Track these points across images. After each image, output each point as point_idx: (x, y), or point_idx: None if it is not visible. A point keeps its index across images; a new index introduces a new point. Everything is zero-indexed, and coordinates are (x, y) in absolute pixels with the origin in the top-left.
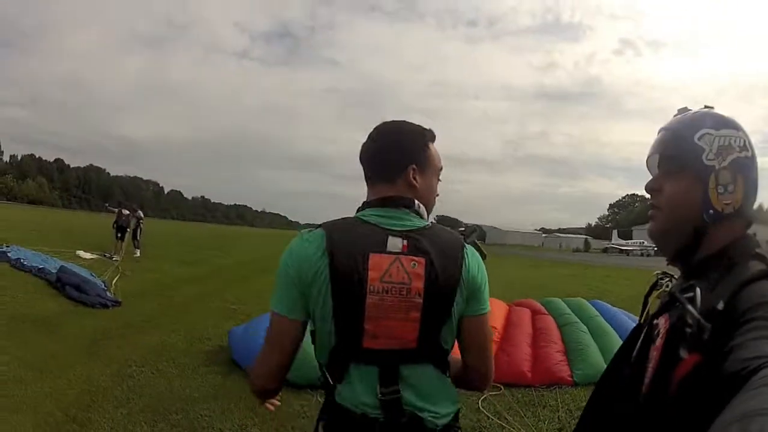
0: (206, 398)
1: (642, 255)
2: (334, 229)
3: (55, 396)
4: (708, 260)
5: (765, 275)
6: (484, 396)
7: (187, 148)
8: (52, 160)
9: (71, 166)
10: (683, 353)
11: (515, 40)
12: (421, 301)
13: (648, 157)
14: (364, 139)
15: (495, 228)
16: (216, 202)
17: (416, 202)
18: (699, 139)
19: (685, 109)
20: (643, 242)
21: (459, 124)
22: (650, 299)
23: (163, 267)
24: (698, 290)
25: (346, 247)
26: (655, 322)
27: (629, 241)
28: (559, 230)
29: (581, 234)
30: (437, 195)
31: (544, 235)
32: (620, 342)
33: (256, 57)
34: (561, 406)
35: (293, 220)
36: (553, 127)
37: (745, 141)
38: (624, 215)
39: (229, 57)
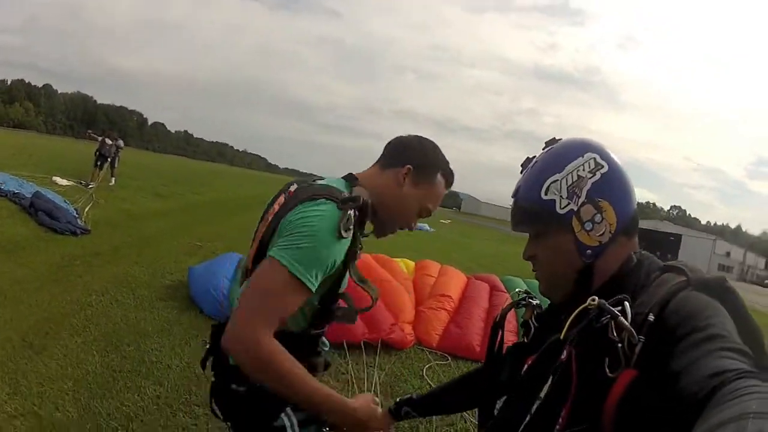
0: (159, 332)
1: None
2: None
3: (14, 322)
4: (605, 287)
5: (686, 286)
6: (431, 364)
7: (176, 83)
8: (40, 85)
9: (59, 91)
10: (610, 372)
11: (520, 16)
12: (260, 235)
13: (512, 229)
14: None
15: (472, 197)
16: (198, 137)
17: (357, 181)
18: (545, 193)
19: (527, 162)
20: None
21: (452, 90)
22: (527, 317)
23: (137, 198)
24: (627, 303)
25: None
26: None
27: None
28: None
29: None
30: (412, 226)
31: None
32: None
33: None
34: None
35: (272, 163)
36: (545, 108)
37: (594, 160)
38: None
39: None
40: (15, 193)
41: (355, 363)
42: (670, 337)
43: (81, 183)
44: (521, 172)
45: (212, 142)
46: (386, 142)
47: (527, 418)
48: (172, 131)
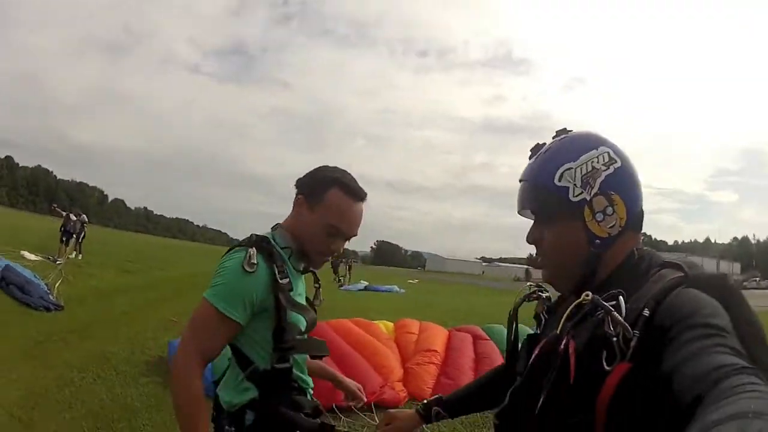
0: (148, 408)
1: None
2: None
3: None
4: (608, 281)
5: (682, 282)
6: None
7: (134, 158)
8: (2, 156)
9: (20, 164)
10: (606, 365)
11: (465, 72)
12: None
13: (518, 211)
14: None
15: (436, 255)
16: (158, 213)
17: (278, 225)
18: (560, 179)
19: (537, 147)
20: None
21: (403, 152)
22: (538, 310)
23: (104, 275)
24: (621, 298)
25: None
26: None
27: None
28: (500, 259)
29: (522, 264)
30: (329, 249)
31: (484, 264)
32: None
33: (208, 72)
34: None
35: (234, 237)
36: (498, 159)
37: (608, 154)
38: None
39: (182, 70)
40: None
41: (353, 424)
42: (664, 332)
43: (49, 258)
44: (530, 158)
45: (172, 218)
46: None
47: (536, 408)
48: (132, 208)
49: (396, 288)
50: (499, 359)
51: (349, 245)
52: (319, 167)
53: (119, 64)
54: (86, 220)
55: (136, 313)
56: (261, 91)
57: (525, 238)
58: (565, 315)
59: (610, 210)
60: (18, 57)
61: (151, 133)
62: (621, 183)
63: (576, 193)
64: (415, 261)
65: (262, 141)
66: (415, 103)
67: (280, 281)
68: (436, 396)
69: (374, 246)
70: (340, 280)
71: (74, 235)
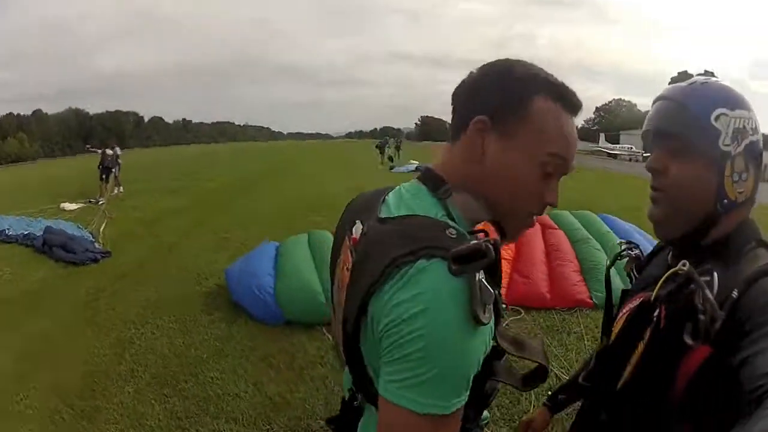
0: (214, 356)
1: (630, 160)
2: None
3: (56, 386)
4: (714, 246)
5: None
6: (506, 322)
7: (165, 73)
8: (30, 113)
9: (49, 114)
10: (689, 340)
11: None
12: (342, 316)
13: (646, 129)
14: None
15: None
16: (197, 122)
17: (446, 186)
18: (716, 119)
19: (685, 74)
20: (632, 147)
21: (443, 26)
22: (626, 269)
23: (149, 202)
24: (715, 275)
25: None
26: (643, 298)
27: (616, 145)
28: None
29: None
30: (545, 201)
31: None
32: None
33: None
34: (585, 332)
35: (276, 130)
36: (539, 31)
37: (755, 122)
38: (610, 119)
39: None
40: (25, 235)
41: None
42: (747, 320)
43: (90, 201)
44: (671, 83)
45: (212, 123)
46: (389, 87)
47: (624, 376)
48: (170, 122)
49: None
50: (569, 249)
51: (393, 122)
52: (496, 66)
53: None
54: (119, 151)
55: (185, 238)
56: None
57: (646, 164)
58: (659, 283)
59: (744, 176)
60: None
61: (179, 44)
62: (757, 156)
63: (725, 143)
64: None
65: (293, 31)
66: None
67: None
68: (559, 384)
69: (418, 122)
70: (390, 161)
71: (113, 170)
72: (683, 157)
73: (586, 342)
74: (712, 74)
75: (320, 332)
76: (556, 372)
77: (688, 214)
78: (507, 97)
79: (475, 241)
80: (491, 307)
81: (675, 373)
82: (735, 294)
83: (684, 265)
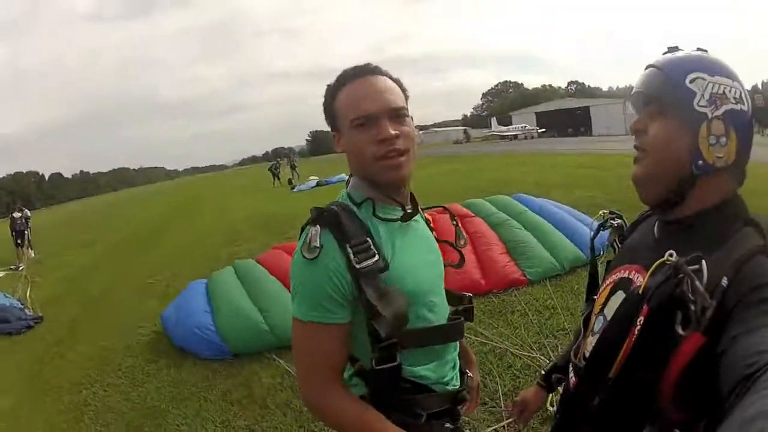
0: (173, 403)
1: (525, 138)
2: None
3: None
4: (697, 216)
5: (762, 249)
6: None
7: (59, 128)
8: None
9: None
10: (680, 330)
11: None
12: None
13: (632, 93)
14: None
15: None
16: (95, 172)
17: (349, 178)
18: (690, 82)
19: (675, 48)
20: (525, 126)
21: (321, 38)
22: (611, 237)
23: (66, 260)
24: (704, 263)
25: None
26: (628, 275)
27: (510, 126)
28: (435, 125)
29: (458, 126)
30: (383, 149)
31: (421, 132)
32: (556, 232)
33: (109, 16)
34: (528, 308)
35: (171, 168)
36: (413, 29)
37: (741, 92)
38: (499, 102)
39: (82, 22)
40: None
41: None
42: (736, 304)
43: (11, 268)
44: (663, 54)
45: (109, 171)
46: (272, 108)
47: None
48: (69, 176)
49: (345, 176)
50: (491, 233)
51: (284, 141)
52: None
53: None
54: (29, 214)
55: (112, 289)
56: (162, 16)
57: (630, 125)
58: (648, 273)
59: (724, 140)
60: None
61: (67, 97)
62: (741, 124)
63: (700, 104)
64: None
65: (175, 66)
66: None
67: (359, 265)
68: (550, 364)
69: (309, 138)
70: (289, 183)
71: (25, 233)
72: (662, 117)
73: (531, 317)
74: (704, 50)
75: (269, 359)
76: (512, 351)
77: (664, 173)
78: (327, 110)
79: (324, 208)
80: (319, 246)
81: (667, 363)
82: (725, 282)
83: (671, 255)
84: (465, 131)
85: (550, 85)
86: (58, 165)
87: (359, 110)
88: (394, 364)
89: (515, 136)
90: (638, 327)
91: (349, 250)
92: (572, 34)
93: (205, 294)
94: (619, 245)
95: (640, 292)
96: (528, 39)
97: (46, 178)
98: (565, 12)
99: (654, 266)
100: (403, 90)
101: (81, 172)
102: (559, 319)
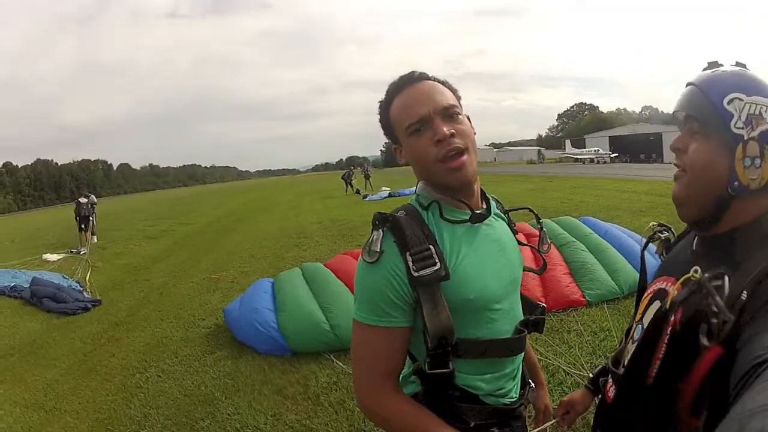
0: (226, 393)
1: (597, 162)
2: None
3: None
4: (732, 233)
5: None
6: None
7: (130, 120)
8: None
9: (19, 165)
10: (705, 341)
11: None
12: None
13: (674, 112)
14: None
15: None
16: (165, 166)
17: (417, 186)
18: (728, 103)
19: (715, 64)
20: (598, 150)
21: (396, 49)
22: (657, 248)
23: (130, 248)
24: (726, 279)
25: None
26: (665, 287)
27: (583, 149)
28: (509, 143)
29: (532, 146)
30: (440, 151)
31: (495, 150)
32: (619, 256)
33: (185, 13)
34: (584, 329)
35: (243, 169)
36: (491, 44)
37: None
38: (574, 125)
39: (159, 19)
40: (12, 287)
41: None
42: (754, 316)
43: (72, 252)
44: (704, 69)
45: (179, 166)
46: (350, 116)
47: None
48: (138, 168)
49: (407, 191)
50: (556, 254)
51: (358, 150)
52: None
53: (91, 34)
54: (95, 200)
55: (175, 281)
56: (243, 18)
57: (670, 144)
58: (673, 289)
59: (758, 162)
60: None
61: (142, 92)
62: None
63: (737, 125)
64: None
65: (253, 67)
66: None
67: (417, 273)
68: (600, 367)
69: (383, 149)
70: (360, 191)
71: (90, 218)
72: (701, 138)
73: (586, 337)
74: (744, 66)
75: (329, 360)
76: (564, 368)
77: (702, 193)
78: (385, 121)
79: (387, 213)
80: (380, 251)
81: (690, 372)
82: (744, 296)
83: (696, 271)
84: (539, 152)
85: (624, 109)
86: (127, 157)
87: (412, 116)
88: (447, 371)
89: (591, 160)
90: (666, 338)
91: (409, 257)
92: (648, 58)
93: (271, 292)
94: (666, 256)
95: (667, 306)
96: (605, 62)
97: (114, 168)
98: (641, 36)
99: (680, 281)
100: (453, 90)
101: (150, 165)
102: (613, 342)
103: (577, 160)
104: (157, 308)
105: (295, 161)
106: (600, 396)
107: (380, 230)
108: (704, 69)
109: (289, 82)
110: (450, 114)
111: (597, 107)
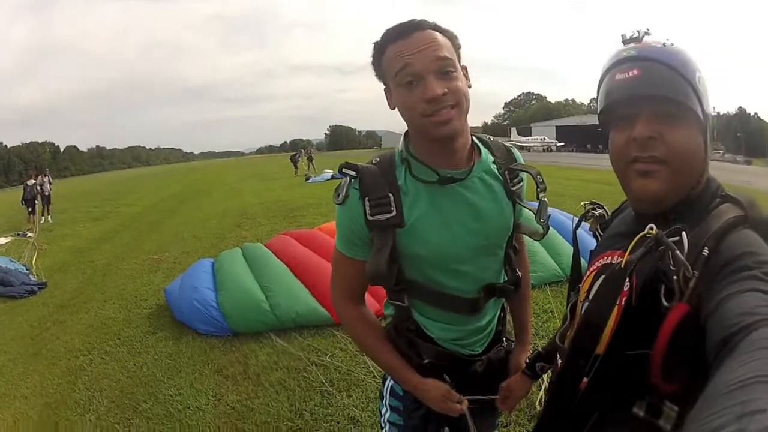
0: (168, 373)
1: (543, 150)
2: None
3: (18, 422)
4: (678, 205)
5: (742, 222)
6: None
7: (78, 102)
8: None
9: None
10: (665, 302)
11: None
12: None
13: (629, 95)
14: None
15: (390, 132)
16: (111, 148)
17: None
18: (698, 81)
19: (647, 33)
20: (544, 138)
21: (344, 34)
22: (592, 228)
23: (76, 230)
24: (684, 235)
25: None
26: (610, 260)
27: (529, 138)
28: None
29: (477, 132)
30: (429, 107)
31: None
32: (563, 240)
33: None
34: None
35: (188, 151)
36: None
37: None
38: (521, 113)
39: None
40: None
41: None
42: (719, 272)
43: (19, 234)
44: (632, 40)
45: (125, 148)
46: (295, 100)
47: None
48: (85, 150)
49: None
50: None
51: (302, 134)
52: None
53: (41, 14)
54: (44, 181)
55: (119, 261)
56: (193, 3)
57: (635, 133)
58: (628, 249)
59: (714, 133)
60: None
61: (90, 73)
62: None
63: (707, 105)
64: (371, 140)
65: (201, 51)
66: None
67: (371, 217)
68: (535, 352)
69: (327, 132)
70: (306, 173)
71: (37, 201)
72: (680, 121)
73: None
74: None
75: (269, 338)
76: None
77: (686, 184)
78: (377, 65)
79: (354, 164)
80: (345, 195)
81: (654, 337)
82: (706, 252)
83: (651, 228)
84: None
85: (573, 100)
86: (74, 138)
87: (405, 69)
88: (403, 304)
89: (530, 148)
90: (622, 301)
91: (367, 202)
92: (596, 50)
93: (211, 272)
94: (601, 234)
95: (621, 266)
96: (555, 54)
97: (62, 150)
98: (591, 30)
99: (635, 240)
100: (452, 39)
101: (97, 146)
102: (555, 324)
103: (522, 147)
104: (101, 290)
105: (239, 144)
106: (550, 374)
107: (347, 178)
108: (626, 41)
109: (236, 65)
110: (445, 71)
111: (545, 97)
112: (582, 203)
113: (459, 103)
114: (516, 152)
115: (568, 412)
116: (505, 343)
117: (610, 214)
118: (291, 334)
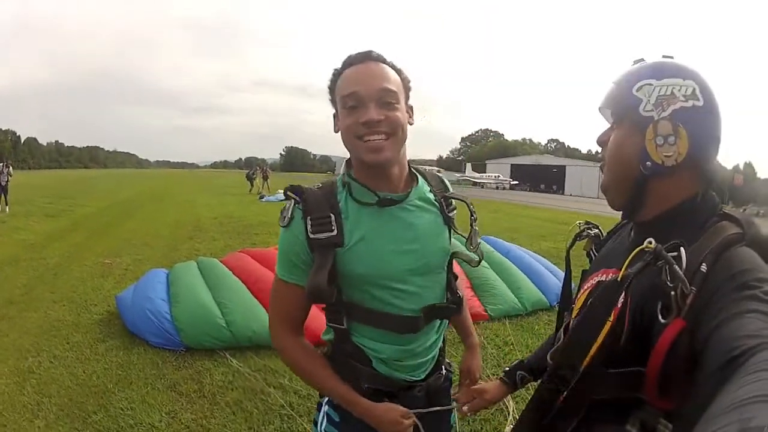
0: (119, 385)
1: (497, 188)
2: None
3: None
4: (667, 215)
5: (740, 240)
6: None
7: (45, 92)
8: None
9: None
10: (662, 318)
11: None
12: None
13: (599, 109)
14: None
15: (343, 157)
16: (70, 145)
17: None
18: (637, 90)
19: (640, 61)
20: (498, 176)
21: (311, 54)
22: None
23: (29, 224)
24: (683, 250)
25: None
26: (605, 278)
27: (483, 174)
28: (410, 161)
29: (432, 165)
30: (363, 131)
31: None
32: (521, 275)
33: None
34: (488, 342)
35: (143, 158)
36: (405, 56)
37: (694, 89)
38: (477, 149)
39: None
40: None
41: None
42: (716, 291)
43: None
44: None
45: (84, 147)
46: (254, 115)
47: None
48: (44, 144)
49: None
50: (459, 270)
51: (258, 152)
52: None
53: None
54: (11, 170)
55: (69, 262)
56: (173, 2)
57: (596, 138)
58: (626, 263)
59: (672, 139)
60: None
61: (61, 61)
62: (694, 121)
63: (646, 109)
64: (324, 165)
65: (172, 54)
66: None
67: (313, 235)
68: (517, 361)
69: (283, 152)
70: (260, 192)
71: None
72: (617, 128)
73: (490, 350)
74: (670, 57)
75: (223, 357)
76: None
77: (621, 177)
78: (330, 92)
79: (298, 186)
80: (290, 217)
81: (649, 352)
82: (704, 268)
83: (650, 242)
84: (438, 171)
85: (530, 140)
86: (35, 130)
87: (350, 94)
88: (341, 327)
89: (483, 184)
90: (616, 312)
91: (309, 221)
92: (557, 93)
93: (166, 283)
94: (595, 254)
95: (619, 279)
96: (511, 92)
97: (22, 141)
98: (552, 73)
99: (633, 253)
100: (403, 79)
101: (56, 142)
102: (517, 355)
103: (476, 183)
104: (51, 289)
105: (195, 155)
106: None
107: (291, 200)
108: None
109: (204, 73)
110: (386, 101)
111: (502, 134)
112: (576, 222)
113: (394, 132)
114: (447, 182)
115: (540, 426)
116: (444, 372)
117: (605, 234)
118: (246, 353)
